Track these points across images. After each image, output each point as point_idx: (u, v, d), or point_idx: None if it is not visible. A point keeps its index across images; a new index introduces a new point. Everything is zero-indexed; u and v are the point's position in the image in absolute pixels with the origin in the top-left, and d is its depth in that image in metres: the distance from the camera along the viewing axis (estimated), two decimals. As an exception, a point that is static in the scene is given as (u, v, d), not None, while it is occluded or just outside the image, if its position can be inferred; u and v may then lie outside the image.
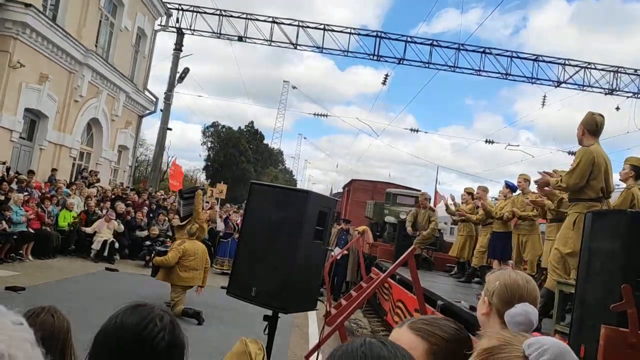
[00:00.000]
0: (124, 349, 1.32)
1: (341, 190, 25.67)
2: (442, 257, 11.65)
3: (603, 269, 3.46)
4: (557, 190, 5.82)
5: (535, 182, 6.42)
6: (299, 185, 79.81)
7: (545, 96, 25.51)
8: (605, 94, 23.45)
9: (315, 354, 4.72)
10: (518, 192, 8.72)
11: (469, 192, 10.43)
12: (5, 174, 12.85)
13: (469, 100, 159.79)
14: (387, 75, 26.78)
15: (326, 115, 34.32)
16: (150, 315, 1.39)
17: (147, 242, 14.20)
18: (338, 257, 11.95)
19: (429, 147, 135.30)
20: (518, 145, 30.91)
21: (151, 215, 15.73)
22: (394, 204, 15.00)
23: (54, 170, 15.89)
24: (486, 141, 31.09)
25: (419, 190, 18.31)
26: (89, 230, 13.34)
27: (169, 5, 23.06)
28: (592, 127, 4.98)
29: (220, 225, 15.73)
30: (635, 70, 23.35)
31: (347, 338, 6.05)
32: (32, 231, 11.62)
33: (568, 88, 23.77)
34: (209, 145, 55.34)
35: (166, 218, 15.66)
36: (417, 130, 31.88)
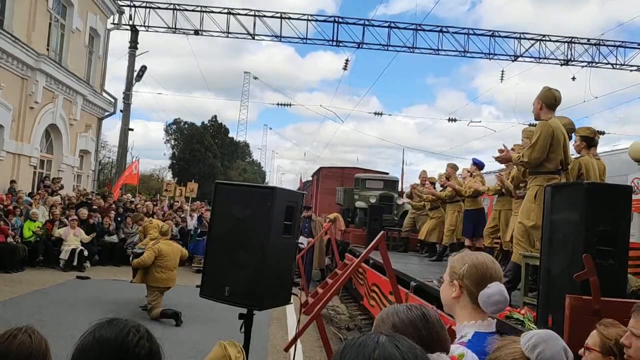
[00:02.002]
0: None
1: (311, 178, 25.70)
2: (416, 237, 11.81)
3: (565, 240, 3.57)
4: (519, 165, 5.97)
5: (496, 158, 6.55)
6: (268, 176, 79.72)
7: (503, 71, 26.00)
8: (561, 64, 24.01)
9: (294, 344, 4.77)
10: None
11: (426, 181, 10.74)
12: (-37, 188, 12.45)
13: (431, 79, 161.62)
14: (347, 60, 26.83)
15: (290, 105, 34.21)
16: (127, 327, 1.42)
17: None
18: (308, 248, 12.00)
19: (394, 129, 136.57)
20: (480, 122, 31.36)
21: (119, 219, 15.47)
22: (364, 189, 15.11)
23: (12, 182, 15.43)
24: (449, 119, 31.50)
25: (387, 174, 18.51)
26: (56, 233, 13.06)
27: (120, 3, 22.53)
28: (551, 101, 5.10)
29: (192, 224, 15.61)
30: (589, 40, 23.94)
31: (325, 326, 6.11)
32: (-4, 245, 11.31)
33: (525, 61, 24.25)
34: (173, 143, 54.58)
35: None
36: (381, 114, 32.13)
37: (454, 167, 9.87)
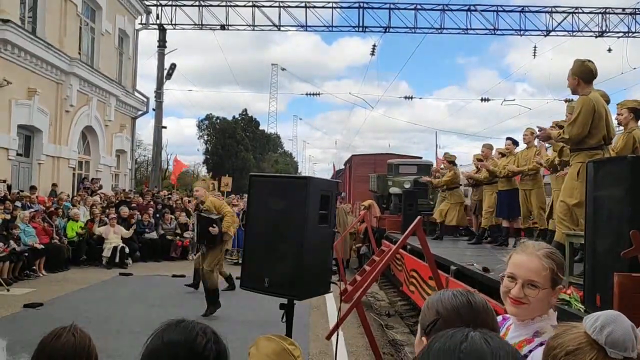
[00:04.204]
0: None
1: (343, 167, 25.67)
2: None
3: (610, 217, 3.46)
4: (560, 142, 5.80)
5: (537, 136, 6.40)
6: (301, 167, 79.94)
7: (535, 46, 25.30)
8: (596, 36, 23.24)
9: (337, 332, 4.77)
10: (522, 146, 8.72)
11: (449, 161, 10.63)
12: (7, 192, 12.87)
13: (461, 59, 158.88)
14: (374, 45, 26.60)
15: (318, 94, 34.16)
16: (195, 330, 1.44)
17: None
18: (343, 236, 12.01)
19: (426, 112, 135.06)
20: (514, 100, 30.93)
21: (157, 215, 15.77)
22: (397, 175, 15.00)
23: (54, 185, 15.89)
24: (482, 99, 30.92)
25: (420, 158, 18.34)
26: (97, 231, 13.43)
27: (147, 3, 22.81)
28: (588, 74, 4.92)
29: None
30: (624, 10, 23.10)
31: (365, 313, 6.10)
32: (42, 246, 11.68)
33: (558, 36, 23.57)
34: (206, 139, 55.24)
35: (172, 217, 15.72)
36: (412, 97, 31.71)
37: (489, 148, 9.68)
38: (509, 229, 8.63)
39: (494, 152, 9.71)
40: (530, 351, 1.62)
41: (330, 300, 9.05)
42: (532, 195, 7.90)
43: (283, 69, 71.81)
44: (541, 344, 1.62)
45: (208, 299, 7.93)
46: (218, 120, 55.70)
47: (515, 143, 9.00)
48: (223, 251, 8.29)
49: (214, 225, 7.87)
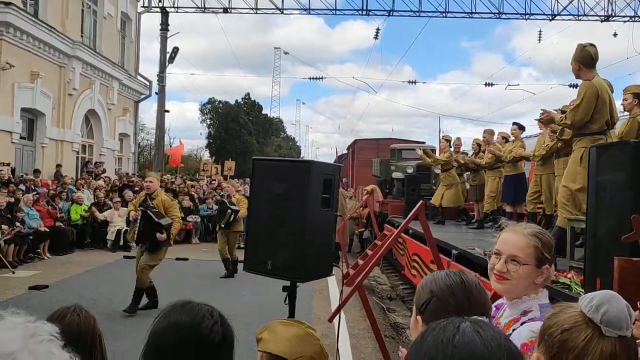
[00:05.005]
0: (181, 347, 1.36)
1: (346, 151, 25.65)
2: (451, 206, 11.67)
3: (612, 202, 3.47)
4: (562, 127, 5.79)
5: (539, 120, 6.38)
6: (303, 151, 79.86)
7: (540, 31, 25.12)
8: (602, 21, 23.00)
9: (339, 315, 4.82)
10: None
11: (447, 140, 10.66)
12: (11, 175, 12.93)
13: (465, 44, 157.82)
14: (378, 29, 26.39)
15: (322, 78, 34.01)
16: (201, 312, 1.43)
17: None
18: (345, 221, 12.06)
19: (429, 97, 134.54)
20: (518, 84, 30.83)
21: (161, 199, 15.82)
22: (400, 159, 14.99)
23: (58, 166, 15.97)
24: (486, 84, 30.78)
25: (423, 143, 18.30)
26: (100, 216, 13.49)
27: (149, -15, 22.65)
28: (588, 59, 4.90)
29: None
30: (630, -7, 22.83)
31: (367, 297, 6.15)
32: (46, 229, 11.76)
33: (563, 20, 23.34)
34: (208, 123, 55.15)
35: (175, 200, 15.76)
36: (415, 82, 31.59)
37: (491, 133, 9.65)
38: (513, 214, 8.64)
39: (495, 137, 9.69)
40: (514, 330, 1.65)
41: (333, 284, 9.12)
42: (544, 180, 7.85)
43: (286, 53, 71.54)
44: (524, 323, 1.66)
45: (134, 294, 7.21)
46: (221, 105, 55.56)
47: (522, 128, 8.97)
48: (165, 253, 7.59)
49: (163, 231, 7.18)
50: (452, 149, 10.67)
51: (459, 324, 0.91)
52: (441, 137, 10.92)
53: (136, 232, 7.37)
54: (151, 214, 7.18)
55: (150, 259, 7.31)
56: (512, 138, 8.97)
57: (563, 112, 5.65)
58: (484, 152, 9.65)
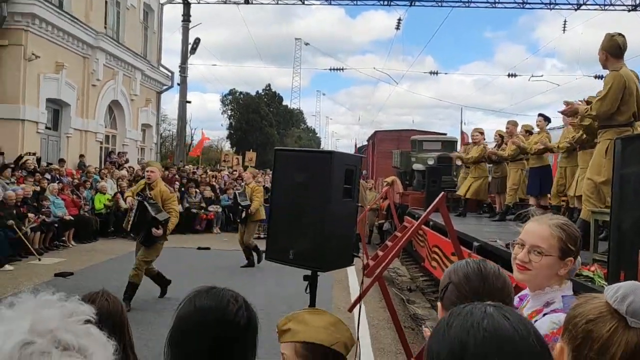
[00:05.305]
0: (206, 331, 1.39)
1: (366, 143, 25.58)
2: (472, 198, 11.56)
3: (636, 194, 3.42)
4: (587, 118, 5.70)
5: (562, 112, 6.27)
6: (323, 143, 79.77)
7: (565, 21, 24.64)
8: (629, 10, 22.49)
9: (358, 305, 4.84)
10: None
11: (480, 132, 10.40)
12: (37, 165, 13.18)
13: (488, 34, 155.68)
14: (399, 19, 26.20)
15: (342, 69, 33.90)
16: (226, 296, 1.46)
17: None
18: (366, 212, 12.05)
19: (451, 88, 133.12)
20: (542, 76, 30.27)
21: (182, 189, 16.01)
22: (421, 151, 14.89)
23: (81, 156, 16.23)
24: (509, 75, 30.36)
25: (445, 134, 18.16)
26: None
27: (171, -23, 22.79)
28: (616, 50, 4.81)
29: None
30: (659, -18, 22.27)
31: (387, 288, 6.16)
32: (71, 218, 11.99)
33: (589, 9, 22.88)
34: (230, 114, 55.38)
35: (197, 190, 15.93)
36: (437, 73, 31.31)
37: (514, 124, 9.52)
38: (536, 207, 8.54)
39: (519, 128, 9.56)
40: (536, 321, 1.65)
41: (352, 275, 9.16)
42: (569, 172, 7.75)
43: (307, 44, 71.53)
44: (546, 314, 1.65)
45: (128, 289, 6.90)
46: (242, 96, 55.74)
47: (547, 119, 8.83)
48: (162, 247, 7.27)
49: (159, 227, 6.88)
50: (485, 141, 10.46)
51: (484, 308, 0.90)
52: (474, 130, 10.61)
53: (131, 221, 7.09)
54: (147, 206, 6.87)
55: (147, 255, 7.06)
56: (537, 130, 8.85)
57: (588, 103, 5.55)
58: (506, 144, 9.52)
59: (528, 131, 9.16)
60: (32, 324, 0.69)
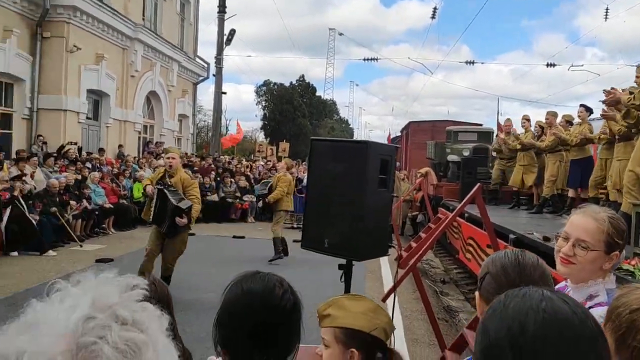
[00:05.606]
0: (253, 314, 1.43)
1: (400, 134, 25.41)
2: (508, 190, 11.38)
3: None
4: (630, 108, 5.54)
5: (603, 101, 6.11)
6: (356, 134, 79.44)
7: (607, 8, 23.89)
8: (676, -3, 21.64)
9: (392, 295, 4.86)
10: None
11: (527, 119, 10.13)
12: (78, 154, 13.57)
13: (526, 22, 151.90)
14: (435, 8, 25.86)
15: (376, 59, 33.66)
16: (272, 281, 1.50)
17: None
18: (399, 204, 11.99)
19: (487, 78, 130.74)
20: (582, 65, 29.30)
21: (218, 178, 16.25)
22: (456, 142, 14.72)
23: (120, 146, 16.62)
24: (548, 64, 29.62)
25: (480, 125, 17.90)
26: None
27: (207, -32, 22.97)
28: (662, 38, 4.66)
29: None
30: None
31: (421, 279, 6.15)
32: (111, 206, 12.32)
33: (633, -4, 22.08)
34: (264, 104, 55.69)
35: (232, 180, 16.15)
36: (473, 62, 30.91)
37: (554, 115, 9.31)
38: (575, 200, 8.37)
39: (558, 119, 9.35)
40: None
41: (385, 266, 9.16)
42: (609, 164, 7.57)
43: (340, 34, 71.11)
44: (591, 308, 1.63)
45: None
46: (275, 86, 55.96)
47: (589, 110, 8.60)
48: (187, 237, 7.02)
49: (183, 215, 6.60)
50: (532, 127, 10.17)
51: (542, 290, 0.89)
52: (548, 115, 10.15)
53: (152, 212, 6.78)
54: (168, 194, 6.58)
55: (176, 251, 6.90)
56: (578, 120, 8.64)
57: (631, 93, 5.40)
58: (546, 135, 9.32)
59: (568, 121, 8.96)
60: (93, 300, 0.73)
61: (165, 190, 6.62)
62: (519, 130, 10.74)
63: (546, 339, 0.81)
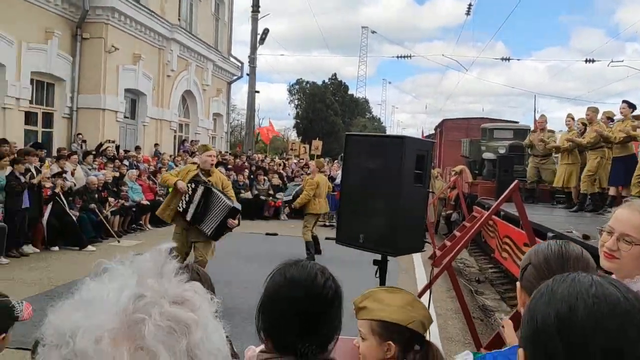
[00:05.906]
0: (296, 301, 1.45)
1: (433, 132, 25.15)
2: (544, 188, 11.13)
3: None
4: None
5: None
6: (388, 132, 78.75)
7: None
8: None
9: (427, 292, 4.82)
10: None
11: (572, 118, 9.84)
12: (116, 152, 13.88)
13: (564, 18, 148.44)
14: (470, 4, 25.49)
15: (410, 56, 33.44)
16: (314, 269, 1.52)
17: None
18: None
19: (523, 75, 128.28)
20: (622, 61, 28.43)
21: (251, 176, 16.39)
22: (491, 139, 14.48)
23: (156, 144, 16.93)
24: (586, 60, 28.96)
25: (517, 122, 17.57)
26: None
27: (241, -32, 23.17)
28: None
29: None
30: None
31: (456, 278, 6.08)
32: (147, 202, 12.56)
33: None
34: (296, 103, 55.92)
35: (265, 178, 16.26)
36: (509, 59, 30.36)
37: (595, 111, 9.04)
38: (616, 198, 8.13)
39: (599, 115, 9.09)
40: None
41: (419, 264, 9.09)
42: None
43: (373, 32, 70.73)
44: None
45: None
46: (308, 85, 56.12)
47: (632, 106, 8.34)
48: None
49: (237, 216, 6.24)
50: (575, 126, 9.89)
51: (590, 276, 0.86)
52: (588, 111, 9.81)
53: (192, 210, 6.20)
54: (219, 193, 6.18)
55: (207, 248, 6.48)
56: (620, 117, 8.39)
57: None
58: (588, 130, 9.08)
59: (609, 118, 8.71)
60: (140, 279, 0.75)
61: (215, 189, 6.20)
62: (564, 129, 10.49)
63: (597, 322, 0.79)
